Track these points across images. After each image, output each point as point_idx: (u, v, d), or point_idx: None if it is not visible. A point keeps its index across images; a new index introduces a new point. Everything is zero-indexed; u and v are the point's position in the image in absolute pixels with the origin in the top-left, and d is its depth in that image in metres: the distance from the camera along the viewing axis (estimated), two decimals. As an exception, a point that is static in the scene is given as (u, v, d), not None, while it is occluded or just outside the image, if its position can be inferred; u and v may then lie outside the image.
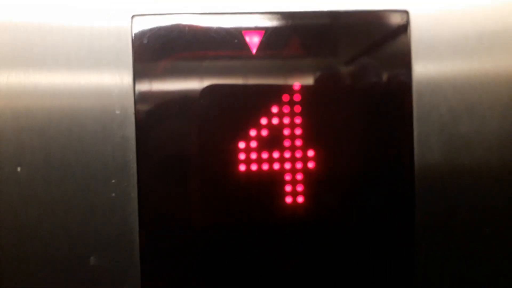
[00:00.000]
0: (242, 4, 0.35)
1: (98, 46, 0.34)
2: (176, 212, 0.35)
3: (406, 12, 0.35)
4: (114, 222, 0.34)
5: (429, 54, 0.36)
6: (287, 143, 0.35)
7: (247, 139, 0.35)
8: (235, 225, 0.35)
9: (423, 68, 0.35)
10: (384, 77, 0.35)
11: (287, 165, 0.35)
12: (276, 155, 0.35)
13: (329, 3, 0.35)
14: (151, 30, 0.34)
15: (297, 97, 0.35)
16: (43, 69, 0.34)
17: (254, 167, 0.35)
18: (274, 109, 0.35)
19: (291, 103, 0.35)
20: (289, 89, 0.35)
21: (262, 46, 0.35)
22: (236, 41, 0.34)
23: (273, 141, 0.35)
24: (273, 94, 0.35)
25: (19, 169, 0.34)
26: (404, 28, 0.35)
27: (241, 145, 0.35)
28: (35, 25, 0.34)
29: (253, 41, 0.35)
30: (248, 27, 0.35)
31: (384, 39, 0.35)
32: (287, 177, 0.35)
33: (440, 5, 0.36)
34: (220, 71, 0.35)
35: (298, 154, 0.35)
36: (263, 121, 0.35)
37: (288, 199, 0.35)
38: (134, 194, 0.34)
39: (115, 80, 0.34)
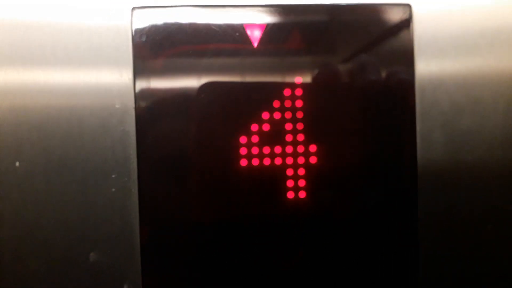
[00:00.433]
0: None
1: (98, 39, 0.34)
2: (178, 208, 0.34)
3: (408, 6, 0.35)
4: (114, 218, 0.34)
5: (432, 48, 0.35)
6: (289, 138, 0.35)
7: (248, 134, 0.34)
8: (237, 221, 0.35)
9: (426, 63, 0.35)
10: (387, 72, 0.35)
11: (289, 160, 0.35)
12: (277, 150, 0.35)
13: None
14: (151, 22, 0.34)
15: (298, 92, 0.34)
16: (42, 65, 0.34)
17: (255, 162, 0.34)
18: (276, 104, 0.34)
19: (293, 97, 0.34)
20: (290, 83, 0.34)
21: (263, 39, 0.34)
22: (237, 34, 0.34)
23: (275, 136, 0.34)
24: (274, 89, 0.34)
25: (17, 164, 0.34)
26: (407, 22, 0.35)
27: (242, 140, 0.34)
28: (33, 22, 0.34)
29: (254, 34, 0.34)
30: (250, 21, 0.34)
31: (387, 33, 0.35)
32: (289, 172, 0.35)
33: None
34: (222, 66, 0.34)
35: (300, 149, 0.35)
36: (265, 116, 0.34)
37: (290, 194, 0.35)
38: (134, 189, 0.34)
39: (115, 74, 0.34)
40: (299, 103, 0.35)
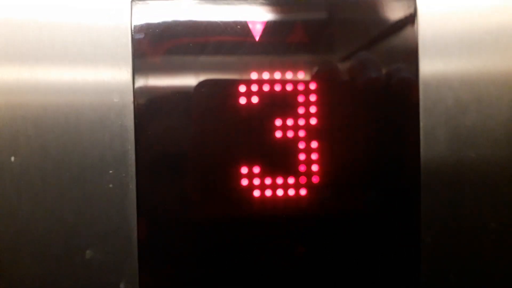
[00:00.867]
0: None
1: (97, 33, 0.33)
2: (175, 204, 0.34)
3: (413, 0, 0.35)
4: (111, 214, 0.34)
5: (437, 44, 0.35)
6: (290, 134, 0.34)
7: (247, 130, 0.34)
8: (235, 218, 0.34)
9: (430, 59, 0.35)
10: (390, 68, 0.34)
11: (290, 157, 0.34)
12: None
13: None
14: (151, 16, 0.33)
15: (301, 87, 0.34)
16: (40, 61, 0.33)
17: (256, 159, 0.34)
18: (278, 100, 0.34)
19: (295, 93, 0.34)
20: (292, 78, 0.34)
21: (265, 33, 0.34)
22: (239, 27, 0.33)
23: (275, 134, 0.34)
24: (275, 84, 0.34)
25: (13, 158, 0.33)
26: (411, 18, 0.34)
27: (241, 136, 0.34)
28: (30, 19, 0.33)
29: (256, 28, 0.34)
30: (252, 15, 0.34)
31: (391, 28, 0.34)
32: (290, 170, 0.34)
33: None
34: (222, 60, 0.34)
35: (302, 145, 0.34)
36: (265, 112, 0.34)
37: (291, 192, 0.34)
38: (132, 185, 0.33)
39: (114, 69, 0.33)
40: (301, 98, 0.34)
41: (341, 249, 0.34)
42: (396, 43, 0.34)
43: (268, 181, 0.34)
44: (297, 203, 0.34)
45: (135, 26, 0.33)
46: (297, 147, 0.34)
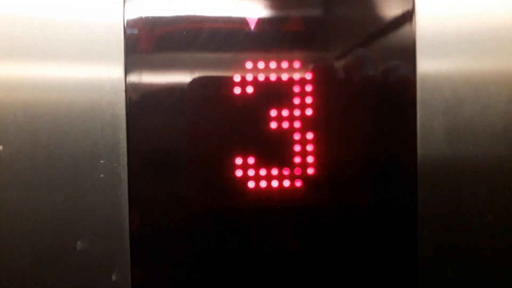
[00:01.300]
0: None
1: (89, 27, 0.33)
2: (168, 195, 0.33)
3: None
4: (103, 205, 0.33)
5: (434, 40, 0.35)
6: (285, 125, 0.34)
7: (242, 121, 0.33)
8: (229, 209, 0.34)
9: (428, 55, 0.34)
10: (388, 62, 0.34)
11: (286, 149, 0.34)
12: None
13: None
14: (143, 11, 0.33)
15: (297, 82, 0.34)
16: (30, 50, 0.33)
17: (250, 150, 0.33)
18: (273, 93, 0.33)
19: (290, 85, 0.33)
20: (290, 68, 0.33)
21: (260, 24, 0.33)
22: (234, 23, 0.33)
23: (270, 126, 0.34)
24: (271, 77, 0.33)
25: (1, 147, 0.33)
26: (409, 14, 0.34)
27: (235, 128, 0.33)
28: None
29: (252, 22, 0.33)
30: (247, 10, 0.33)
31: (389, 23, 0.34)
32: (284, 163, 0.34)
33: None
34: (216, 55, 0.33)
35: (297, 137, 0.34)
36: (259, 105, 0.33)
37: (286, 183, 0.34)
38: (124, 175, 0.33)
39: (105, 54, 0.33)
40: (296, 88, 0.34)
41: (336, 242, 0.34)
42: (394, 39, 0.34)
43: (263, 172, 0.34)
44: (292, 195, 0.34)
45: (127, 21, 0.33)
46: (292, 138, 0.34)
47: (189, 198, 0.33)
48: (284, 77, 0.33)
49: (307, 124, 0.34)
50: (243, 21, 0.33)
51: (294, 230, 0.34)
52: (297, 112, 0.34)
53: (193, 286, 0.34)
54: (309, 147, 0.34)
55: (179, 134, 0.33)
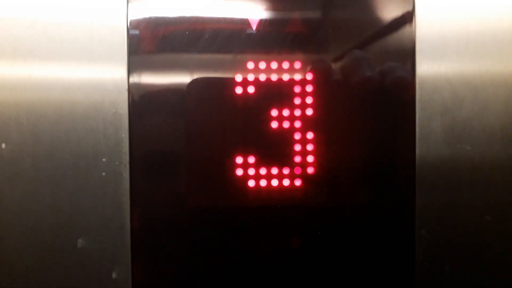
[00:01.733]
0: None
1: (92, 28, 0.33)
2: (169, 194, 0.33)
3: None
4: (104, 203, 0.33)
5: (434, 41, 0.35)
6: (285, 125, 0.34)
7: (243, 120, 0.34)
8: (230, 207, 0.34)
9: (427, 56, 0.35)
10: (387, 64, 0.34)
11: (286, 147, 0.34)
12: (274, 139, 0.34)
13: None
14: (146, 11, 0.33)
15: (298, 82, 0.34)
16: (35, 56, 0.33)
17: (251, 149, 0.34)
18: (274, 93, 0.34)
19: (291, 86, 0.34)
20: (290, 68, 0.34)
21: (262, 25, 0.33)
22: (237, 23, 0.33)
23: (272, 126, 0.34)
24: (272, 77, 0.34)
25: (3, 145, 0.33)
26: (409, 15, 0.34)
27: (236, 127, 0.34)
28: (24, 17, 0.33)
29: (253, 23, 0.33)
30: (249, 11, 0.33)
31: (388, 24, 0.34)
32: (285, 160, 0.34)
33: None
34: (218, 56, 0.33)
35: (297, 137, 0.34)
36: (261, 104, 0.34)
37: (286, 182, 0.34)
38: (126, 174, 0.33)
39: (108, 55, 0.33)
40: (297, 89, 0.34)
41: (336, 241, 0.34)
42: (394, 41, 0.34)
43: (263, 171, 0.34)
44: (292, 194, 0.34)
45: (131, 22, 0.33)
46: (292, 137, 0.34)
47: (190, 197, 0.34)
48: (285, 77, 0.34)
49: (308, 124, 0.34)
50: (245, 22, 0.34)
51: (294, 229, 0.34)
52: (297, 112, 0.34)
53: (193, 285, 0.34)
54: (309, 147, 0.34)
55: (180, 133, 0.33)
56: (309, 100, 0.34)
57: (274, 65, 0.34)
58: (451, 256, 0.35)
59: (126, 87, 0.33)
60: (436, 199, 0.35)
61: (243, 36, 0.33)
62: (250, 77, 0.33)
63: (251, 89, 0.34)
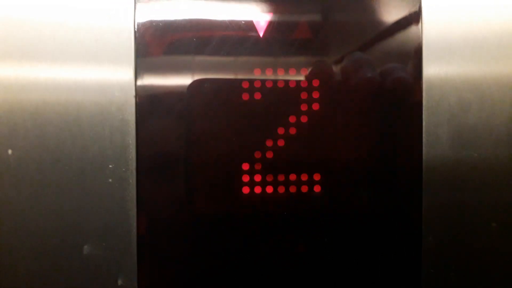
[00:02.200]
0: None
1: (100, 30, 0.33)
2: (175, 200, 0.33)
3: (418, -2, 0.35)
4: (111, 210, 0.33)
5: (441, 43, 0.35)
6: (292, 131, 0.34)
7: (249, 127, 0.34)
8: (236, 214, 0.34)
9: (434, 58, 0.35)
10: (394, 66, 0.34)
11: (293, 153, 0.34)
12: (280, 143, 0.34)
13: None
14: (154, 14, 0.33)
15: (304, 83, 0.34)
16: (42, 57, 0.33)
17: (257, 155, 0.34)
18: (281, 98, 0.34)
19: (298, 90, 0.34)
20: (297, 75, 0.34)
21: (269, 30, 0.33)
22: (243, 24, 0.33)
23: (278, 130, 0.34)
24: (279, 82, 0.34)
25: (10, 152, 0.33)
26: (416, 16, 0.34)
27: (243, 131, 0.33)
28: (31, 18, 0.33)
29: (260, 25, 0.33)
30: (257, 13, 0.33)
31: (395, 26, 0.34)
32: (292, 167, 0.34)
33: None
34: (225, 58, 0.33)
35: (304, 142, 0.34)
36: (267, 109, 0.34)
37: (292, 189, 0.34)
38: (132, 180, 0.33)
39: (115, 58, 0.33)
40: (304, 95, 0.34)
41: (342, 247, 0.34)
42: (401, 45, 0.34)
43: (269, 178, 0.34)
44: (299, 201, 0.34)
45: (138, 25, 0.33)
46: (299, 143, 0.34)
47: (197, 203, 0.34)
48: (292, 83, 0.34)
49: (314, 129, 0.34)
50: (252, 27, 0.33)
51: (300, 235, 0.34)
52: (304, 118, 0.34)
53: (199, 291, 0.34)
54: (317, 153, 0.34)
55: (187, 139, 0.33)
56: (316, 105, 0.34)
57: (281, 70, 0.34)
58: (457, 262, 0.35)
59: (133, 91, 0.33)
60: (442, 203, 0.35)
61: (250, 41, 0.33)
62: (259, 82, 0.33)
63: (259, 95, 0.34)
